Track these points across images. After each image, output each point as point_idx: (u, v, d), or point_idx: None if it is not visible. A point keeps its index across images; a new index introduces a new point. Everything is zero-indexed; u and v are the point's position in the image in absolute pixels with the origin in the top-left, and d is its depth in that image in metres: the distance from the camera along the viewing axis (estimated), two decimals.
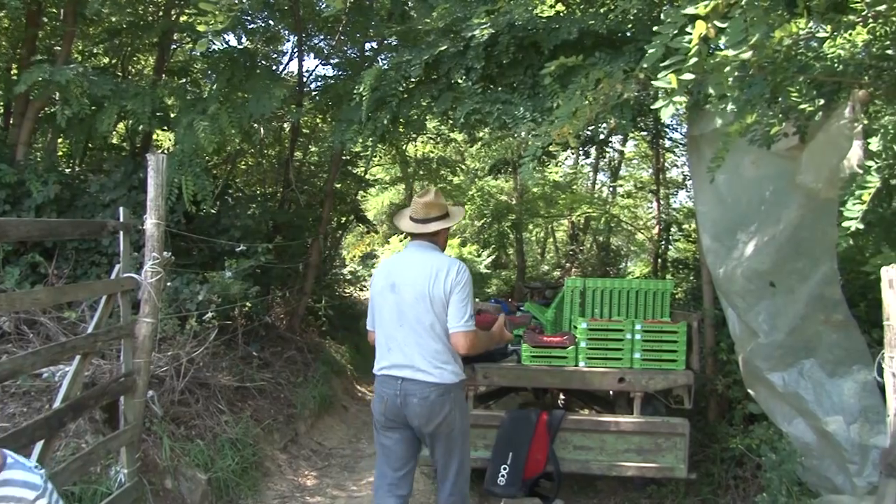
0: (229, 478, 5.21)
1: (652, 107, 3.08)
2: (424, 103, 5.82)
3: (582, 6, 6.63)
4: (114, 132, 8.66)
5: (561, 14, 6.59)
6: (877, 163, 3.43)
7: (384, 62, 6.10)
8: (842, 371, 4.62)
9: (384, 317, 3.92)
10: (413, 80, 5.73)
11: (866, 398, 4.49)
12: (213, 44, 8.01)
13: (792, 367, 4.77)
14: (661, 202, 12.98)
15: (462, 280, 3.83)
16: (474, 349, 3.87)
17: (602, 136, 9.93)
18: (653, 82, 2.90)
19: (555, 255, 17.91)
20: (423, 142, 14.59)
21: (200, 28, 3.55)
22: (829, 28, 3.61)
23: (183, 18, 7.93)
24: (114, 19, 7.87)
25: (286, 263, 8.63)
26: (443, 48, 5.37)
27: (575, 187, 16.83)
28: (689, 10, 2.76)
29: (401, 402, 3.81)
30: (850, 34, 3.84)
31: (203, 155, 6.26)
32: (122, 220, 4.37)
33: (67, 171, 7.84)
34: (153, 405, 4.96)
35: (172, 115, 6.81)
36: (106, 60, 8.86)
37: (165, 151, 6.93)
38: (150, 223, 4.39)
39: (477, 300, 11.34)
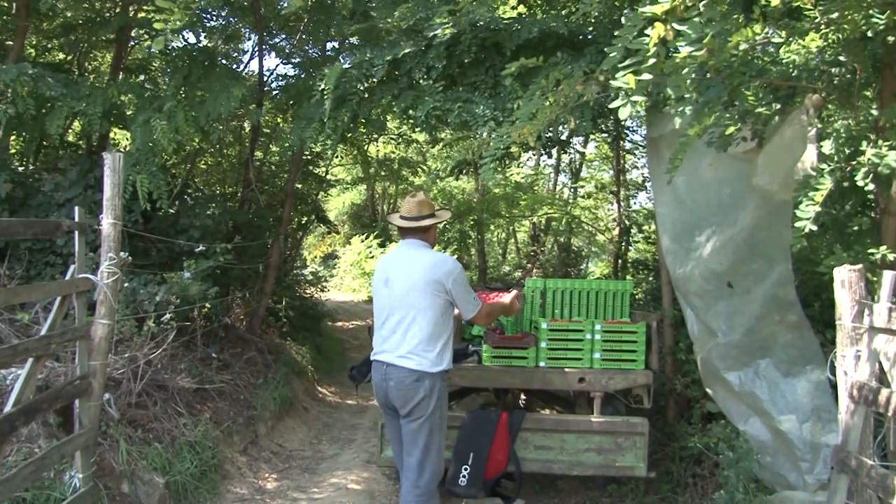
0: (188, 481, 5.14)
1: (610, 106, 3.11)
2: (385, 102, 5.81)
3: (543, 7, 6.67)
4: (69, 130, 8.51)
5: (523, 15, 6.62)
6: (829, 165, 3.50)
7: (346, 61, 6.06)
8: (796, 371, 4.71)
9: (380, 309, 4.28)
10: (375, 79, 5.72)
11: (818, 397, 4.58)
12: (172, 42, 7.90)
13: (748, 367, 4.85)
14: (622, 203, 13.11)
15: (455, 270, 4.17)
16: (491, 318, 4.60)
17: (563, 138, 9.99)
18: (611, 82, 2.94)
19: (516, 256, 17.99)
20: (384, 142, 14.55)
21: (157, 25, 3.51)
22: (784, 34, 3.68)
23: (141, 15, 7.80)
24: (69, 14, 7.69)
25: (246, 264, 8.54)
26: (407, 51, 5.36)
27: (536, 188, 16.94)
28: (648, 9, 2.80)
29: (385, 386, 4.15)
30: (805, 40, 3.92)
31: (160, 153, 6.16)
32: (77, 219, 4.28)
33: (21, 168, 7.66)
34: (109, 408, 4.87)
35: (129, 113, 6.70)
36: (62, 56, 8.68)
37: (123, 150, 6.81)
38: (107, 223, 4.31)
39: None
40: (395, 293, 4.14)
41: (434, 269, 4.10)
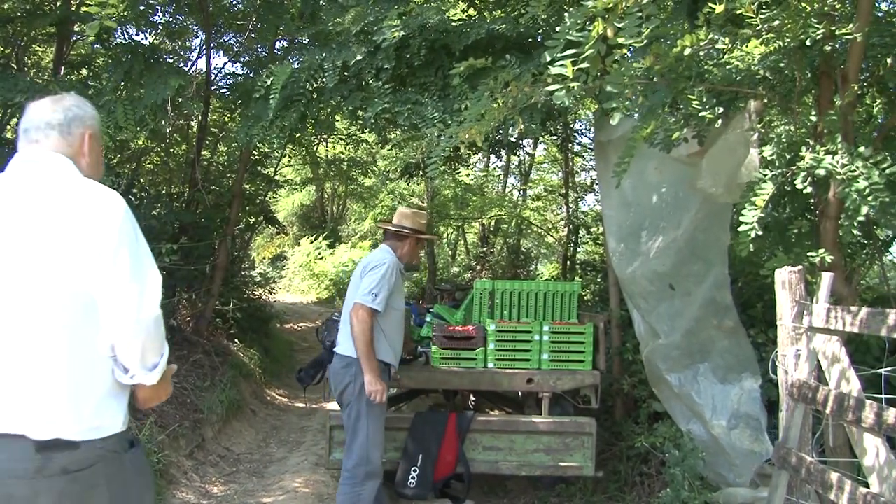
0: None
1: (547, 89, 3.14)
2: (334, 102, 5.76)
3: (492, 8, 6.69)
4: (7, 126, 8.26)
5: (472, 18, 6.63)
6: (771, 171, 3.59)
7: (295, 61, 5.99)
8: (731, 378, 4.82)
9: None
10: (325, 81, 5.67)
11: (747, 405, 4.71)
12: (116, 33, 7.72)
13: (688, 370, 4.95)
14: (570, 205, 13.25)
15: (370, 265, 4.45)
16: (355, 316, 4.29)
17: (512, 139, 10.05)
18: (549, 68, 2.98)
19: (465, 258, 18.03)
20: (333, 142, 14.46)
21: (91, 10, 3.40)
22: (727, 40, 3.75)
23: (84, 9, 7.60)
24: (6, 6, 7.46)
25: (193, 265, 8.38)
26: (359, 58, 5.33)
27: (486, 190, 16.99)
28: (590, 4, 2.84)
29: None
30: (747, 47, 4.00)
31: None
32: None
33: None
34: None
35: None
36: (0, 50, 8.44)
37: None
38: None
39: None
40: (349, 287, 4.57)
41: (361, 265, 4.56)
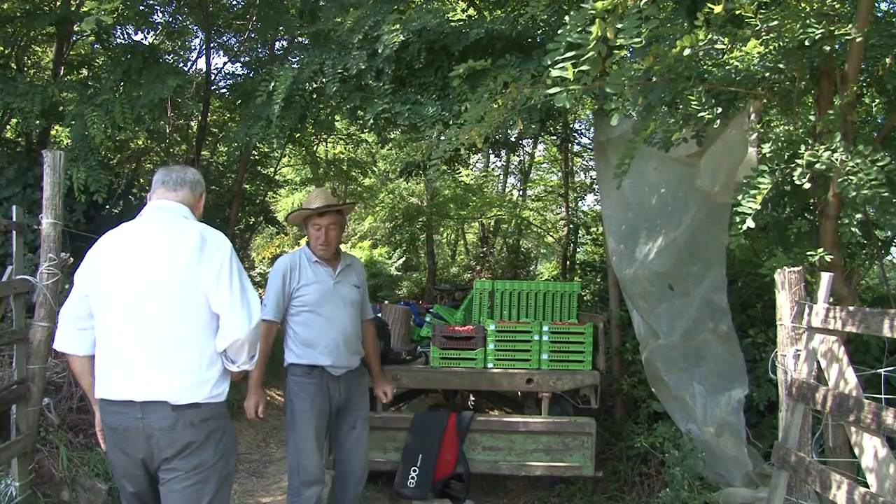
0: None
1: (548, 92, 3.14)
2: (334, 103, 5.77)
3: (491, 8, 6.69)
4: (7, 126, 8.27)
5: (472, 18, 6.63)
6: (769, 167, 3.59)
7: (294, 61, 6.00)
8: (722, 385, 4.84)
9: None
10: (325, 82, 5.68)
11: (731, 415, 4.72)
12: (115, 33, 7.72)
13: (684, 372, 4.96)
14: (570, 205, 13.25)
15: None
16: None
17: (512, 140, 10.05)
18: (549, 71, 2.97)
19: (465, 258, 18.02)
20: (332, 142, 14.45)
21: (88, 6, 3.40)
22: (726, 41, 3.75)
23: (84, 9, 7.60)
24: (6, 6, 7.46)
25: None
26: (362, 67, 5.33)
27: (486, 190, 16.99)
28: (589, 5, 2.85)
29: None
30: (747, 47, 4.00)
31: (96, 147, 5.96)
32: (14, 219, 4.17)
33: None
34: (49, 413, 4.73)
35: (69, 109, 6.52)
36: None
37: (63, 148, 6.63)
38: (47, 223, 4.19)
39: (386, 301, 11.34)
40: None
41: None
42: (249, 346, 2.80)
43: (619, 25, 2.82)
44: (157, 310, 2.73)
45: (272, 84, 5.40)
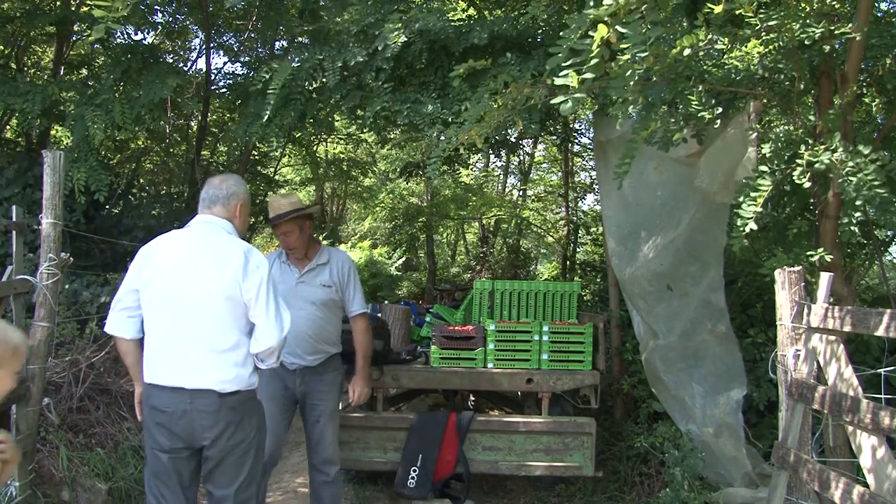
0: (132, 487, 5.00)
1: (552, 101, 3.14)
2: (333, 101, 5.76)
3: (492, 8, 6.68)
4: (7, 126, 8.27)
5: (473, 18, 6.63)
6: (769, 168, 3.59)
7: (294, 59, 5.99)
8: (721, 386, 4.84)
9: None
10: (325, 80, 5.67)
11: (728, 416, 4.72)
12: (116, 34, 7.72)
13: (683, 372, 4.96)
14: (570, 205, 13.25)
15: None
16: None
17: (512, 140, 10.04)
18: (554, 79, 2.97)
19: (465, 258, 18.03)
20: (332, 142, 14.46)
21: (97, 13, 3.40)
22: (726, 40, 3.75)
23: (84, 9, 7.60)
24: (6, 6, 7.46)
25: None
26: (360, 60, 5.32)
27: (486, 190, 16.99)
28: (591, 11, 2.84)
29: None
30: (747, 47, 4.00)
31: (96, 147, 5.96)
32: (14, 219, 4.17)
33: None
34: (49, 413, 4.74)
35: (70, 110, 6.53)
36: None
37: (64, 148, 6.63)
38: (47, 223, 4.19)
39: (386, 301, 11.33)
40: None
41: None
42: (278, 352, 3.25)
43: (623, 30, 2.82)
44: (206, 312, 3.12)
45: (269, 76, 5.39)
